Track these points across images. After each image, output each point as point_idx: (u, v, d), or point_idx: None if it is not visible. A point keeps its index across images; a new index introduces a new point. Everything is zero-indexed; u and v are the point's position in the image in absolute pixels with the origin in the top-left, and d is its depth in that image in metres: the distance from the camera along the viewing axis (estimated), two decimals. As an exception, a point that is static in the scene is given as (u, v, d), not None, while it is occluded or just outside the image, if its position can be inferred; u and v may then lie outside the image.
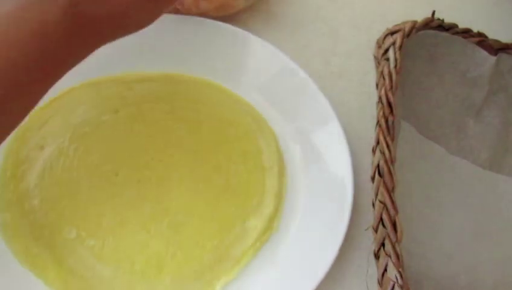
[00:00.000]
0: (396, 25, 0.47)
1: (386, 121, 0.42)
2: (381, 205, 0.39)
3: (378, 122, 0.42)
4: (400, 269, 0.37)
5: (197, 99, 0.55)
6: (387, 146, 0.41)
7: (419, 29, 0.47)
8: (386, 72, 0.44)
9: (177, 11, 0.58)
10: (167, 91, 0.55)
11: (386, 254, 0.38)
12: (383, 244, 0.38)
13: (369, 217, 0.41)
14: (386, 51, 0.45)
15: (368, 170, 0.42)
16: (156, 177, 0.50)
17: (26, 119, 0.51)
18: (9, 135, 0.38)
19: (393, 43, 0.45)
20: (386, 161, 0.40)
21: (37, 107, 0.52)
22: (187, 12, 0.58)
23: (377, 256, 0.39)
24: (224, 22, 0.57)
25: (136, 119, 0.53)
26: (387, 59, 0.45)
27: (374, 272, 0.39)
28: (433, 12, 0.49)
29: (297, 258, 0.47)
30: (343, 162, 0.50)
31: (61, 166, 0.50)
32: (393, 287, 0.37)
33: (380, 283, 0.38)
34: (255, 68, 0.56)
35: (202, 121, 0.54)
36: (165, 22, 0.56)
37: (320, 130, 0.53)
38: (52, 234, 0.47)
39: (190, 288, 0.47)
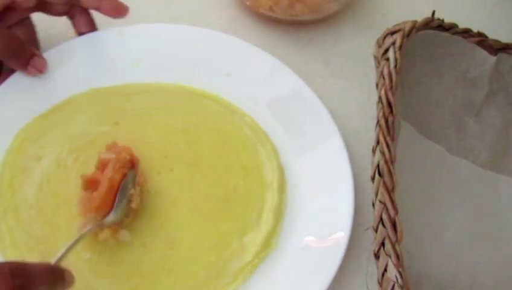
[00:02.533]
0: (396, 25, 0.47)
1: (386, 121, 0.42)
2: (381, 205, 0.39)
3: (378, 122, 0.42)
4: (400, 269, 0.37)
5: (196, 111, 0.54)
6: (387, 146, 0.41)
7: (419, 29, 0.47)
8: (386, 72, 0.44)
9: (272, 13, 0.58)
10: (166, 103, 0.55)
11: (386, 254, 0.38)
12: (383, 244, 0.38)
13: (369, 217, 0.41)
14: (386, 51, 0.45)
15: (368, 170, 0.42)
16: (154, 191, 0.50)
17: (25, 128, 0.51)
18: None
19: (393, 43, 0.45)
20: (386, 161, 0.40)
21: (36, 116, 0.52)
22: (282, 14, 0.58)
23: (377, 256, 0.39)
24: (236, 34, 0.56)
25: (135, 131, 0.53)
26: (387, 59, 0.45)
27: (374, 272, 0.39)
28: (433, 12, 0.49)
29: (297, 276, 0.47)
30: (344, 181, 0.49)
31: (58, 177, 0.50)
32: (393, 287, 0.37)
33: (380, 283, 0.38)
34: (258, 81, 0.55)
35: (201, 133, 0.53)
36: (168, 33, 0.57)
37: (322, 146, 0.52)
38: (47, 245, 0.47)
39: None
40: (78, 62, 0.55)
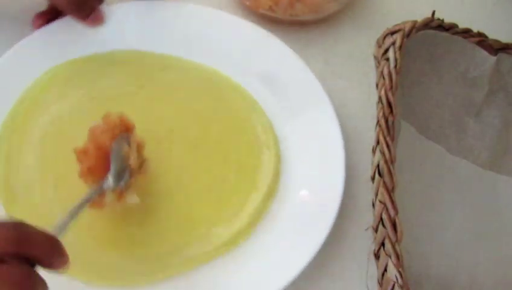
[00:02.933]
0: (396, 25, 0.47)
1: (386, 121, 0.42)
2: (381, 205, 0.39)
3: (378, 122, 0.42)
4: (400, 269, 0.37)
5: (220, 99, 0.55)
6: (387, 146, 0.41)
7: (419, 29, 0.47)
8: (386, 72, 0.44)
9: (272, 13, 0.59)
10: (195, 83, 0.56)
11: (386, 254, 0.38)
12: (383, 244, 0.38)
13: (369, 217, 0.41)
14: (386, 51, 0.45)
15: (368, 170, 0.42)
16: (150, 158, 0.49)
17: (57, 66, 0.54)
18: None
19: (393, 43, 0.45)
20: (386, 161, 0.40)
21: (71, 59, 0.54)
22: (282, 14, 0.59)
23: (377, 256, 0.39)
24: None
25: (155, 99, 0.54)
26: (387, 59, 0.45)
27: (374, 272, 0.39)
28: (433, 13, 0.49)
29: (251, 278, 0.46)
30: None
31: (69, 121, 0.52)
32: (393, 287, 0.37)
33: (380, 283, 0.38)
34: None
35: (215, 120, 0.54)
36: (224, 20, 0.58)
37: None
38: (40, 187, 0.48)
39: (136, 271, 0.46)
40: (130, 22, 0.57)
